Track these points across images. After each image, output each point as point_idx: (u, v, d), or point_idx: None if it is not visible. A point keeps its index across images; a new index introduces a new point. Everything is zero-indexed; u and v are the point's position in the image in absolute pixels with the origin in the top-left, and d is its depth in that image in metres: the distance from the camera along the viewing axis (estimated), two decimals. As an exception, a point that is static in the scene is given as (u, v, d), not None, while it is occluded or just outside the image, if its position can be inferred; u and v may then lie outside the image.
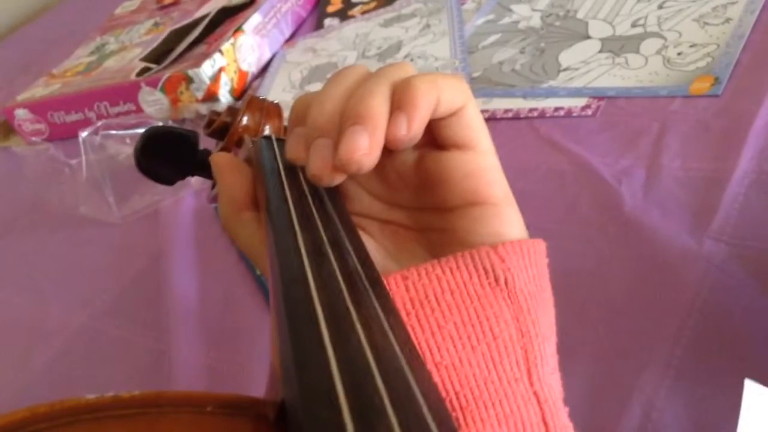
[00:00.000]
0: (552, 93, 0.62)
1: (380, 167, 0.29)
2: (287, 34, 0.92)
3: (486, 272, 0.27)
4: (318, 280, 0.22)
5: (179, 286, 0.60)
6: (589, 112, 0.58)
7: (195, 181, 0.67)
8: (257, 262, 0.34)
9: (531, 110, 0.61)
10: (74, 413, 0.17)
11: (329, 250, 0.25)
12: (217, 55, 0.80)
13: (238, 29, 0.84)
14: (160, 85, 0.80)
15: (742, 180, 0.47)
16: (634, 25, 0.66)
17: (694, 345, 0.39)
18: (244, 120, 0.43)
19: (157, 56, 0.89)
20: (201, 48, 0.86)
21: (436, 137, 0.29)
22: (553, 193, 0.53)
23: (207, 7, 0.96)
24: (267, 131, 0.44)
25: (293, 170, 0.31)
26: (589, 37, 0.67)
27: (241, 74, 0.83)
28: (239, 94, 0.82)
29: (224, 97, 0.80)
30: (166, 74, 0.80)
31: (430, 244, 0.30)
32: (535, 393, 0.25)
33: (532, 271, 0.28)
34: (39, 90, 0.95)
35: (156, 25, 0.99)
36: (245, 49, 0.84)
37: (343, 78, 0.28)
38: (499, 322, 0.26)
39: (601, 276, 0.45)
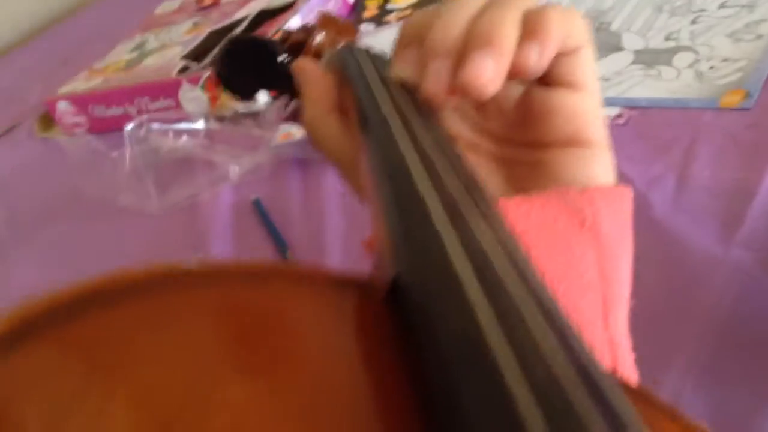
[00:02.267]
0: (584, 102, 0.64)
1: None
2: (323, 37, 0.95)
3: (575, 213, 0.26)
4: (423, 172, 0.22)
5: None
6: (622, 121, 0.60)
7: (235, 171, 0.69)
8: (340, 164, 0.34)
9: (564, 118, 0.63)
10: (188, 275, 0.16)
11: (428, 147, 0.24)
12: (256, 56, 0.83)
13: (278, 31, 0.87)
14: (201, 82, 0.83)
15: (771, 191, 0.48)
16: (667, 39, 0.67)
17: (718, 347, 0.41)
18: (318, 37, 0.43)
19: (197, 55, 0.92)
20: (240, 48, 0.88)
21: (548, 73, 0.28)
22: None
23: (247, 8, 0.98)
24: None
25: (381, 79, 0.31)
26: (622, 49, 0.69)
27: (279, 75, 0.85)
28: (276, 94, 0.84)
29: (262, 98, 0.82)
30: (207, 72, 0.83)
31: (513, 177, 0.30)
32: (609, 337, 0.25)
33: (617, 218, 0.28)
34: (80, 84, 0.98)
35: (196, 25, 1.02)
36: (283, 50, 0.86)
37: (468, 0, 0.27)
38: (583, 262, 0.26)
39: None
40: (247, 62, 0.41)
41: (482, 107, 0.31)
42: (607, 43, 0.70)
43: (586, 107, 0.28)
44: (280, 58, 0.41)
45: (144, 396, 0.13)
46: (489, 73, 0.25)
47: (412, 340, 0.16)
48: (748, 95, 0.57)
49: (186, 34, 1.00)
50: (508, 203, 0.26)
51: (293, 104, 0.38)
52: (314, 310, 0.17)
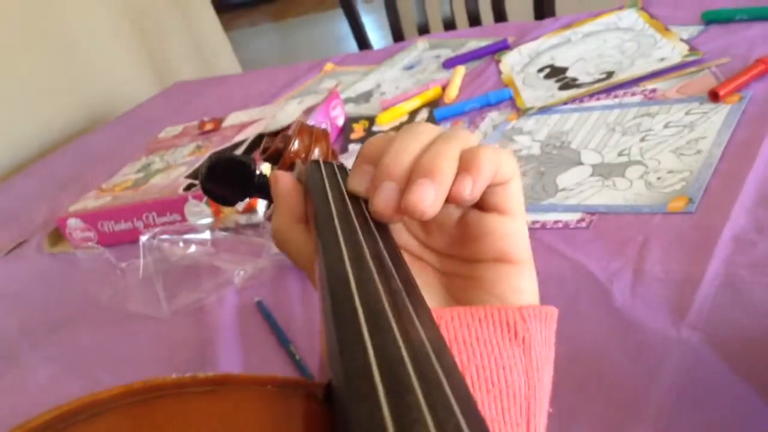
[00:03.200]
0: (552, 209, 0.73)
1: None
2: (315, 157, 1.04)
3: (509, 328, 0.31)
4: (358, 282, 0.25)
5: (224, 370, 0.67)
6: (584, 224, 0.68)
7: (239, 275, 0.76)
8: (304, 268, 0.38)
9: (534, 222, 0.71)
10: (161, 389, 0.20)
11: (369, 258, 0.28)
12: (257, 174, 0.92)
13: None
14: (205, 198, 0.91)
15: (713, 281, 0.56)
16: (620, 155, 0.77)
17: (675, 417, 0.47)
18: (296, 145, 0.47)
19: (200, 174, 1.01)
20: (240, 168, 0.97)
21: (482, 200, 0.32)
22: (557, 292, 0.61)
23: (245, 132, 1.08)
24: (316, 154, 0.48)
25: (340, 191, 0.35)
26: (581, 164, 0.78)
27: (277, 190, 0.94)
28: (275, 207, 0.92)
29: (261, 210, 0.90)
30: (211, 189, 0.91)
31: (452, 287, 0.34)
32: None
33: (545, 334, 0.32)
34: (90, 202, 1.05)
35: (198, 147, 1.11)
36: (280, 169, 0.95)
37: (418, 133, 0.32)
38: (513, 372, 0.30)
39: (598, 359, 0.53)
40: (226, 177, 0.45)
41: (426, 225, 0.35)
42: (569, 159, 0.80)
43: (515, 229, 0.33)
44: (257, 172, 0.46)
45: None
46: (429, 199, 0.29)
47: None
48: (690, 201, 0.66)
49: (189, 156, 1.09)
50: (449, 313, 0.30)
51: (272, 208, 0.43)
52: (261, 408, 0.21)
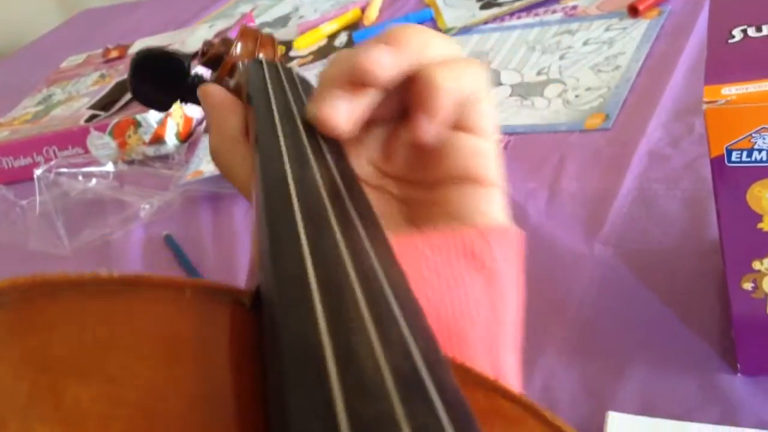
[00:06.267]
0: (469, 130, 0.70)
1: (383, 137, 0.30)
2: (229, 84, 0.99)
3: (472, 256, 0.27)
4: (298, 181, 0.23)
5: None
6: (502, 146, 0.66)
7: (145, 210, 0.71)
8: (246, 192, 0.33)
9: (451, 145, 0.69)
10: (55, 285, 0.17)
11: (311, 158, 0.25)
12: (163, 102, 0.86)
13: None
14: (108, 129, 0.85)
15: (627, 196, 0.55)
16: (539, 73, 0.75)
17: (585, 329, 0.47)
18: (238, 49, 0.43)
19: (104, 105, 0.95)
20: (147, 97, 0.92)
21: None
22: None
23: (152, 59, 1.02)
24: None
25: (282, 91, 0.32)
26: (501, 84, 0.76)
27: (187, 119, 0.88)
28: (185, 137, 0.87)
29: (170, 140, 0.85)
30: (115, 119, 0.86)
31: (414, 216, 0.31)
32: (497, 372, 0.26)
33: (511, 259, 0.29)
34: (-14, 137, 0.98)
35: (102, 76, 1.04)
36: (190, 97, 0.90)
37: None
38: (478, 303, 0.26)
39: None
40: (156, 74, 0.41)
41: (385, 150, 0.31)
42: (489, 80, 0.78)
43: (482, 148, 0.29)
44: (192, 73, 0.41)
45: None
46: (385, 62, 0.26)
47: (265, 343, 0.18)
48: (607, 117, 0.64)
49: (93, 86, 1.03)
50: (404, 240, 0.26)
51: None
52: (177, 313, 0.18)
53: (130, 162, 0.83)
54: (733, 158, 0.32)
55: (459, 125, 0.29)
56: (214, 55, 0.43)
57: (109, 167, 0.77)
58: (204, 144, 0.83)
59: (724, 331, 0.42)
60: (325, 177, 0.24)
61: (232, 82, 0.41)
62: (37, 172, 0.71)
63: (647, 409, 0.40)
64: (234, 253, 0.65)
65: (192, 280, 0.20)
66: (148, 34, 1.21)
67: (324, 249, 0.20)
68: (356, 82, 0.27)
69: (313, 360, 0.15)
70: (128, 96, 0.94)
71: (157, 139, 0.85)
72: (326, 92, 0.27)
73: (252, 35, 0.44)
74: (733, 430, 0.37)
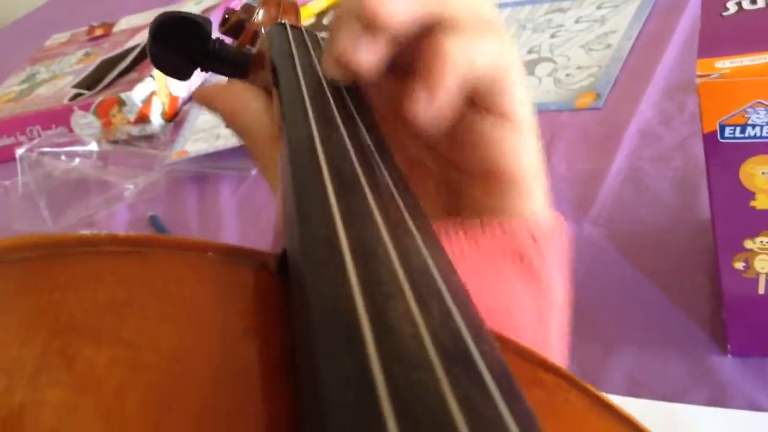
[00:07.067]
0: (458, 109, 0.69)
1: None
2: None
3: (514, 252, 0.25)
4: (325, 141, 0.21)
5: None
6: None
7: (130, 190, 0.70)
8: (261, 161, 0.32)
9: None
10: (69, 245, 0.17)
11: (339, 120, 0.23)
12: (148, 80, 0.85)
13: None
14: (92, 108, 0.84)
15: (617, 176, 0.54)
16: (529, 52, 0.74)
17: (574, 308, 0.46)
18: (260, 15, 0.42)
19: (89, 83, 0.93)
20: (132, 75, 0.90)
21: (475, 99, 0.24)
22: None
23: (137, 38, 1.00)
24: None
25: (308, 54, 0.30)
26: (491, 62, 0.75)
27: (172, 98, 0.87)
28: (170, 116, 0.86)
29: (156, 120, 0.84)
30: (99, 98, 0.84)
31: (450, 199, 0.27)
32: None
33: (556, 255, 0.27)
34: (-32, 117, 0.96)
35: (87, 54, 1.03)
36: (176, 75, 0.88)
37: None
38: (521, 302, 0.24)
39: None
40: (177, 40, 0.39)
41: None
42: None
43: (507, 136, 0.25)
44: (213, 38, 0.39)
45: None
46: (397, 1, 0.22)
47: (293, 309, 0.17)
48: (598, 97, 0.64)
49: (77, 64, 1.01)
50: (446, 230, 0.24)
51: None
52: (198, 276, 0.17)
53: (115, 142, 0.81)
54: (727, 134, 0.31)
55: (481, 104, 0.24)
56: (236, 23, 0.42)
57: (93, 147, 0.76)
58: (189, 123, 0.81)
59: (715, 312, 0.42)
60: (355, 139, 0.23)
61: (254, 50, 0.40)
62: (20, 151, 0.70)
63: (636, 390, 0.40)
64: (220, 234, 0.64)
65: (215, 242, 0.18)
66: (134, 12, 1.19)
67: (355, 210, 0.18)
68: (367, 25, 0.23)
69: (346, 325, 0.14)
70: (113, 74, 0.92)
71: (142, 119, 0.83)
72: (343, 25, 0.23)
73: (274, 1, 0.43)
74: (722, 411, 0.37)
